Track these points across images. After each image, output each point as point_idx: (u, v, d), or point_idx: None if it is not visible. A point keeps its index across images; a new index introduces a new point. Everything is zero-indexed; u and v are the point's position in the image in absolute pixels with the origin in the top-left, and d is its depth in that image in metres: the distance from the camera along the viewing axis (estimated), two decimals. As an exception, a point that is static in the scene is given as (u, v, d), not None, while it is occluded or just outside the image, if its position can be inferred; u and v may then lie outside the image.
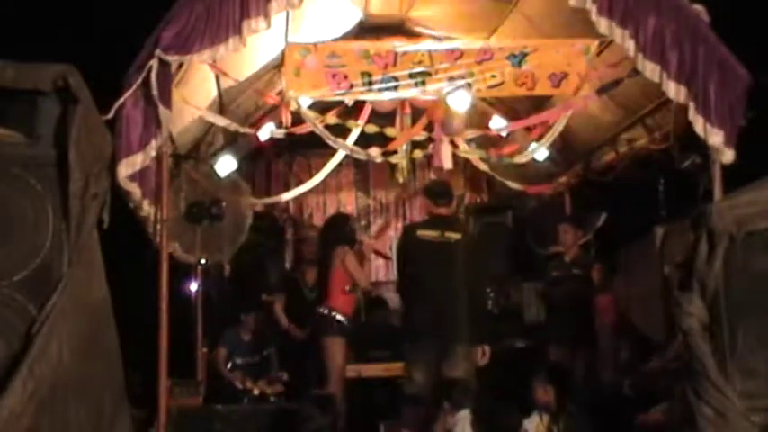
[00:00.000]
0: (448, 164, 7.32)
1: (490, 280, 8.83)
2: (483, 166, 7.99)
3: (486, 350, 6.17)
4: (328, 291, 6.99)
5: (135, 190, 5.22)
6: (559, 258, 7.78)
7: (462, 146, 7.51)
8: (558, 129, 7.09)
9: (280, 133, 7.04)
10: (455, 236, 6.24)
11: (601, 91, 6.60)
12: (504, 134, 7.95)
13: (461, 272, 6.16)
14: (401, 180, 7.95)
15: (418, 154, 7.62)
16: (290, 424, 5.98)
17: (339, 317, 6.86)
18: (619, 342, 7.34)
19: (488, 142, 7.97)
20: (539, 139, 7.40)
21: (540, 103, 7.94)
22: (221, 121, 6.75)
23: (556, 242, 8.09)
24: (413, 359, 6.15)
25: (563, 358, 7.16)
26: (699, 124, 5.65)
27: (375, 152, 7.27)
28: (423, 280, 6.13)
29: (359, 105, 7.25)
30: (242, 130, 6.99)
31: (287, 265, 9.55)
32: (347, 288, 6.94)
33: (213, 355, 7.59)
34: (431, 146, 7.42)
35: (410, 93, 6.54)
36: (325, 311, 6.90)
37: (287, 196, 8.73)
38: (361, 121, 7.26)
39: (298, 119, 6.87)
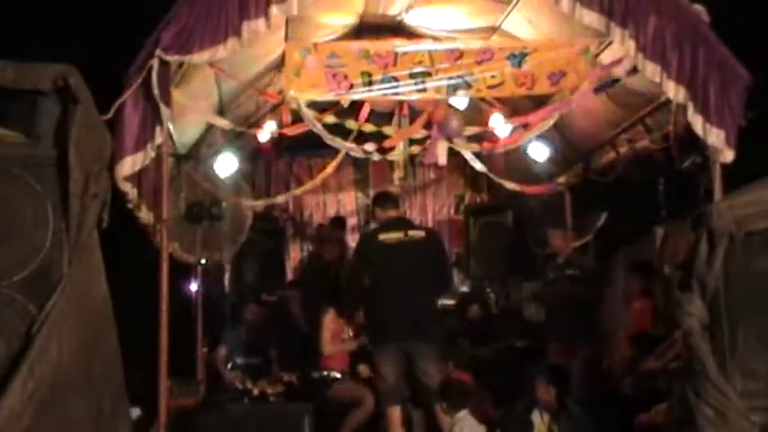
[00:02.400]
0: (442, 159, 7.33)
1: (490, 280, 8.86)
2: (480, 167, 7.99)
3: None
4: (320, 350, 7.04)
5: (131, 191, 5.22)
6: (553, 260, 7.81)
7: (458, 141, 7.51)
8: (550, 122, 7.08)
9: (275, 131, 7.03)
10: (419, 234, 6.35)
11: (598, 89, 6.59)
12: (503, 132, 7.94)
13: (426, 268, 6.23)
14: (397, 178, 7.96)
15: (415, 150, 7.63)
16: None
17: (334, 374, 6.88)
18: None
19: (484, 138, 7.96)
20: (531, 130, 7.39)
21: (540, 103, 7.95)
22: (221, 122, 6.75)
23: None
24: (382, 358, 6.17)
25: (562, 358, 7.16)
26: (698, 124, 5.66)
27: (371, 147, 7.28)
28: (390, 282, 6.14)
29: (358, 104, 7.25)
30: (241, 129, 6.99)
31: (287, 264, 9.58)
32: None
33: (213, 354, 7.58)
34: (427, 142, 7.42)
35: (410, 93, 6.53)
36: (318, 375, 6.91)
37: (285, 197, 8.72)
38: (360, 121, 7.25)
39: (297, 118, 6.87)
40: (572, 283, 7.52)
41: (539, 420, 5.77)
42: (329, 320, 6.99)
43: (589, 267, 7.80)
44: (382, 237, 6.29)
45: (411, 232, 6.34)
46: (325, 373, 6.90)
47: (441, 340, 6.50)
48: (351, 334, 7.22)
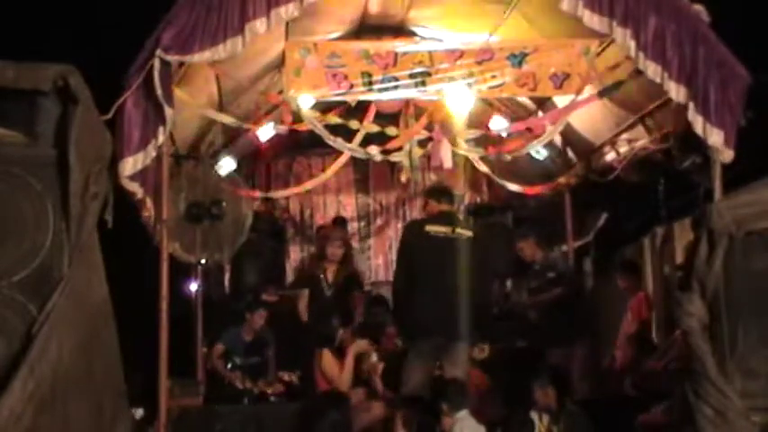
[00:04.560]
0: (448, 163, 7.32)
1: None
2: (483, 167, 7.99)
3: (484, 347, 6.15)
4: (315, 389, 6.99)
5: (137, 190, 5.22)
6: (531, 269, 7.82)
7: (462, 144, 7.51)
8: (557, 128, 7.09)
9: (281, 129, 7.03)
10: (466, 233, 6.23)
11: (603, 93, 6.59)
12: (504, 134, 7.94)
13: (470, 269, 6.13)
14: (404, 179, 7.93)
15: (419, 152, 7.63)
16: (303, 421, 5.95)
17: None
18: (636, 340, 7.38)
19: (488, 141, 7.96)
20: (538, 137, 7.41)
21: (540, 103, 7.95)
22: (224, 118, 6.74)
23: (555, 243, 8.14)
24: (412, 359, 6.11)
25: (560, 359, 7.16)
26: (699, 124, 5.65)
27: (374, 150, 7.27)
28: (430, 276, 6.06)
29: (363, 105, 7.24)
30: (244, 126, 6.99)
31: (287, 265, 9.58)
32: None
33: (210, 350, 7.56)
34: (430, 145, 7.42)
35: (410, 93, 6.53)
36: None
37: (283, 193, 8.72)
38: (365, 122, 7.24)
39: (298, 118, 6.87)
40: (554, 285, 7.55)
41: (537, 422, 5.76)
42: (327, 363, 6.95)
43: (563, 268, 7.82)
44: (429, 228, 6.18)
45: (459, 230, 6.23)
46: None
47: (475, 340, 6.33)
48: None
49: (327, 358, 6.96)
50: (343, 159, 7.58)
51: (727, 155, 5.69)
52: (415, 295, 6.07)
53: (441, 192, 6.56)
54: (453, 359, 6.03)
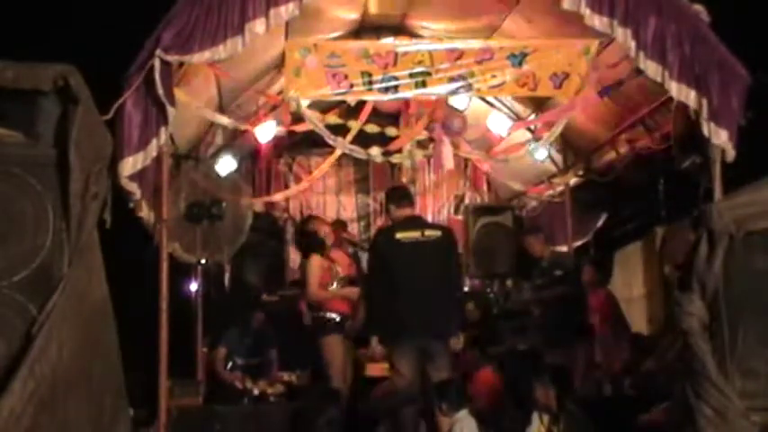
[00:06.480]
0: (449, 164, 7.33)
1: (490, 280, 8.85)
2: (485, 167, 8.01)
3: (459, 338, 6.23)
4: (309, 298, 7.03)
5: (136, 190, 5.23)
6: (538, 266, 7.82)
7: (463, 146, 7.53)
8: (558, 129, 7.10)
9: (280, 131, 7.04)
10: (435, 233, 6.30)
11: (603, 93, 6.60)
12: (504, 134, 7.95)
13: (442, 268, 6.20)
14: (405, 180, 7.94)
15: (419, 154, 7.64)
16: (301, 419, 5.97)
17: (331, 315, 6.86)
18: (611, 338, 7.42)
19: (489, 142, 7.97)
20: (539, 138, 7.42)
21: (540, 103, 7.95)
22: (223, 120, 6.75)
23: (553, 243, 8.14)
24: (399, 356, 6.13)
25: (561, 359, 7.16)
26: (701, 124, 5.66)
27: (375, 152, 7.27)
28: (406, 282, 6.09)
29: (361, 105, 7.24)
30: (242, 127, 6.99)
31: (287, 265, 9.58)
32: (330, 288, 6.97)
33: (212, 354, 7.58)
34: (431, 146, 7.43)
35: (410, 93, 6.53)
36: (319, 314, 6.90)
37: (282, 195, 8.73)
38: (359, 121, 7.24)
39: (298, 118, 6.87)
40: (561, 283, 7.55)
41: (538, 423, 5.76)
42: (314, 266, 6.95)
43: (569, 266, 7.82)
44: (399, 235, 6.21)
45: (428, 232, 6.26)
46: (321, 313, 6.86)
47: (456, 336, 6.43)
48: (339, 272, 7.16)
49: (312, 263, 6.94)
50: (332, 159, 7.58)
51: (729, 154, 5.69)
52: (393, 302, 6.10)
53: (400, 195, 6.56)
54: (435, 363, 6.07)
